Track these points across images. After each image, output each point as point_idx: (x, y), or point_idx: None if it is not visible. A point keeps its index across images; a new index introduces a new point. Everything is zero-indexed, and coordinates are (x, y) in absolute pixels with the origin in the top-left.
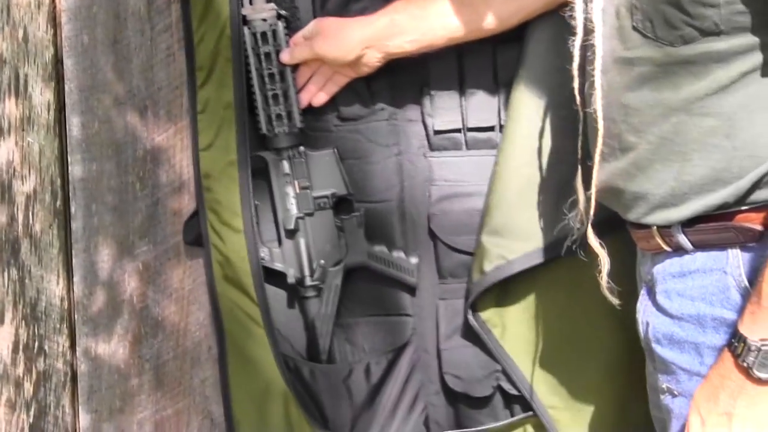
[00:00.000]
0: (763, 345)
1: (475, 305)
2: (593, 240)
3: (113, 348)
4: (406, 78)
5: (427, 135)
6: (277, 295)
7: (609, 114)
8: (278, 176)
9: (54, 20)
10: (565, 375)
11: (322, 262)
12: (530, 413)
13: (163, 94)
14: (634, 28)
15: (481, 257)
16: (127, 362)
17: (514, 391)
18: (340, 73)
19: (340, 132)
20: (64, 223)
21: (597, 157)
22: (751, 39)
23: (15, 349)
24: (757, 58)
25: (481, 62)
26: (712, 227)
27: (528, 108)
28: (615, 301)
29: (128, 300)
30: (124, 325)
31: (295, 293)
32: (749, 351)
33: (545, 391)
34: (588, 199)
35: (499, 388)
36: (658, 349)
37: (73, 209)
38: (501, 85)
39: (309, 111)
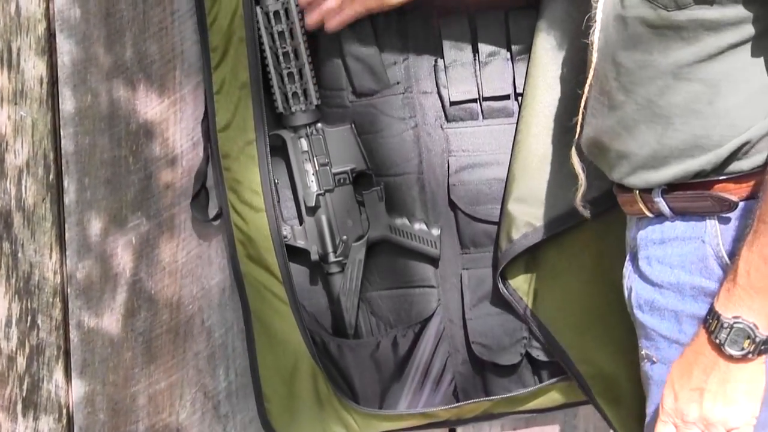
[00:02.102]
0: (735, 322)
1: (503, 273)
2: (576, 161)
3: (106, 321)
4: (420, 50)
5: (443, 106)
6: (300, 273)
7: (603, 70)
8: (297, 154)
9: None
10: (595, 340)
11: (345, 237)
12: (557, 379)
13: (156, 68)
14: None
15: (508, 225)
16: (120, 336)
17: (543, 358)
18: (363, 2)
19: (356, 107)
20: (57, 197)
21: (587, 88)
22: (742, 11)
23: (8, 323)
24: (747, 30)
25: (493, 31)
26: (690, 195)
27: (546, 75)
28: (587, 214)
29: (121, 273)
30: (117, 298)
31: (319, 270)
32: (722, 328)
33: (576, 357)
34: (575, 125)
35: (527, 355)
36: (639, 315)
37: (65, 183)
38: (515, 53)
39: (324, 87)
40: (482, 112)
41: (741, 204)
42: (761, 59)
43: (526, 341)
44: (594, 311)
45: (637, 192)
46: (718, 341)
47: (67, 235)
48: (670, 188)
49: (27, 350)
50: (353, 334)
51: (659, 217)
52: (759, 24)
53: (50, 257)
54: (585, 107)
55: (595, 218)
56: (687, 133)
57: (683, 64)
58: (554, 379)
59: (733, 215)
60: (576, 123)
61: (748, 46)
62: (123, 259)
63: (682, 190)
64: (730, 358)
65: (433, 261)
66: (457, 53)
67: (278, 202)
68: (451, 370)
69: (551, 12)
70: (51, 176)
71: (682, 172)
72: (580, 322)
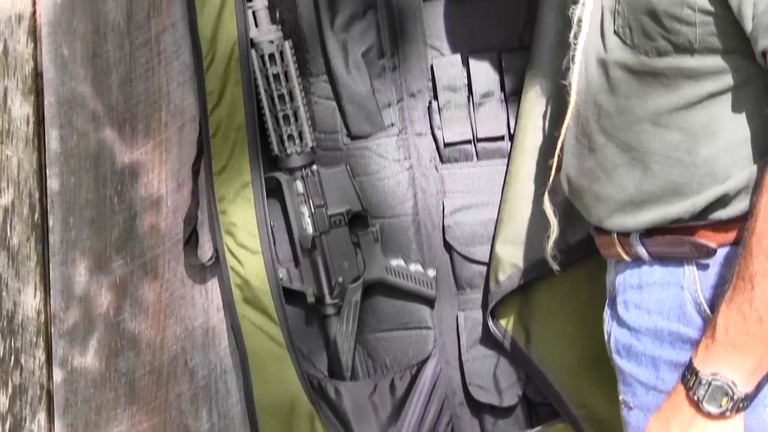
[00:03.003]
0: (713, 379)
1: (496, 314)
2: (548, 206)
3: (89, 362)
4: (414, 92)
5: (438, 148)
6: (297, 315)
7: (585, 112)
8: (292, 196)
9: (34, 34)
10: (590, 383)
11: (341, 279)
12: (554, 421)
13: (142, 109)
14: (615, 33)
15: (496, 267)
16: (103, 376)
17: (540, 399)
18: None
19: (351, 149)
20: (42, 237)
21: (563, 130)
22: (722, 61)
23: None
24: (727, 80)
25: (487, 72)
26: (669, 240)
27: (534, 117)
28: (555, 267)
29: (105, 314)
30: (100, 339)
31: (315, 312)
32: (700, 384)
33: (571, 400)
34: (550, 168)
35: (524, 397)
36: (617, 359)
37: (50, 222)
38: (509, 94)
39: (319, 129)
40: (477, 153)
41: (720, 251)
42: (741, 110)
43: (523, 383)
44: (588, 354)
45: (615, 235)
46: (696, 398)
47: (51, 274)
48: (648, 233)
49: (10, 390)
50: (350, 376)
51: (637, 261)
52: (738, 75)
53: (34, 296)
54: (561, 149)
55: (587, 259)
56: (665, 179)
57: (662, 111)
58: (552, 421)
59: (712, 262)
60: (551, 166)
61: (727, 96)
62: (107, 299)
63: (661, 234)
64: (708, 415)
65: (430, 302)
66: (451, 95)
67: (274, 244)
68: (448, 412)
69: (540, 54)
70: (36, 216)
71: (660, 218)
72: (574, 364)
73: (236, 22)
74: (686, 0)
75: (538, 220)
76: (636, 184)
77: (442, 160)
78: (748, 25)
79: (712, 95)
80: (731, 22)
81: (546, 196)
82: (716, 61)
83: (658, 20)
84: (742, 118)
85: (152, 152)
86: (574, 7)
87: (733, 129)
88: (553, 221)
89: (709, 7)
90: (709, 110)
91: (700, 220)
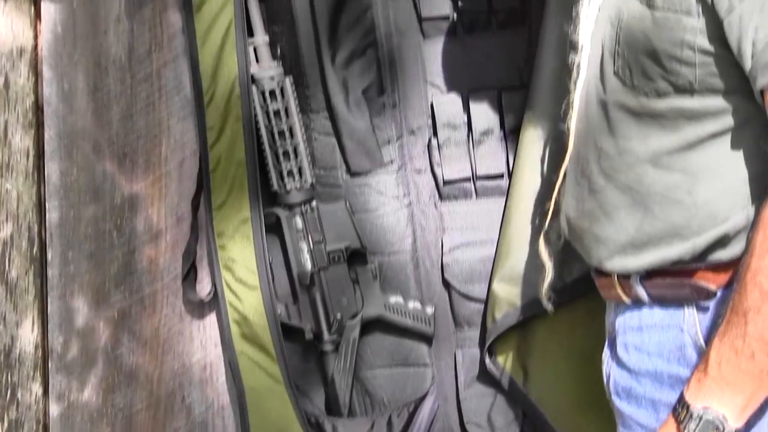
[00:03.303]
0: (705, 413)
1: (494, 352)
2: (544, 249)
3: (86, 396)
4: (413, 128)
5: (437, 185)
6: (294, 351)
7: (584, 154)
8: (291, 232)
9: (35, 68)
10: (588, 424)
11: (339, 315)
12: None
13: (142, 143)
14: (615, 74)
15: (492, 304)
16: (99, 411)
17: None
18: None
19: (350, 186)
20: (41, 270)
21: (561, 174)
22: (722, 101)
23: None
24: (727, 121)
25: (487, 110)
26: (669, 282)
27: (532, 156)
28: (549, 308)
29: (103, 348)
30: (97, 373)
31: (313, 348)
32: (691, 418)
33: None
34: (546, 211)
35: None
36: (617, 401)
37: (49, 256)
38: (508, 132)
39: (318, 165)
40: (476, 190)
41: (720, 293)
42: (741, 150)
43: (521, 421)
44: (586, 394)
45: (616, 277)
46: (686, 431)
47: (49, 308)
48: (648, 275)
49: (6, 425)
50: (347, 413)
51: (637, 303)
52: (738, 115)
53: (32, 330)
54: (559, 193)
55: (586, 298)
56: (666, 221)
57: (663, 153)
58: None
59: (712, 304)
60: (548, 209)
61: (728, 137)
62: (104, 333)
63: (661, 277)
64: None
65: (428, 339)
66: (450, 132)
67: (273, 280)
68: None
69: (538, 94)
70: (35, 249)
71: (660, 259)
72: (572, 404)
73: (237, 58)
74: (686, 41)
75: (535, 259)
76: (637, 226)
77: (441, 198)
78: (748, 64)
79: (713, 136)
80: (731, 62)
81: (542, 239)
82: (716, 102)
83: (658, 61)
84: (742, 158)
85: (152, 187)
86: (573, 52)
87: (733, 169)
88: (548, 264)
89: (709, 48)
90: (709, 151)
91: (701, 261)
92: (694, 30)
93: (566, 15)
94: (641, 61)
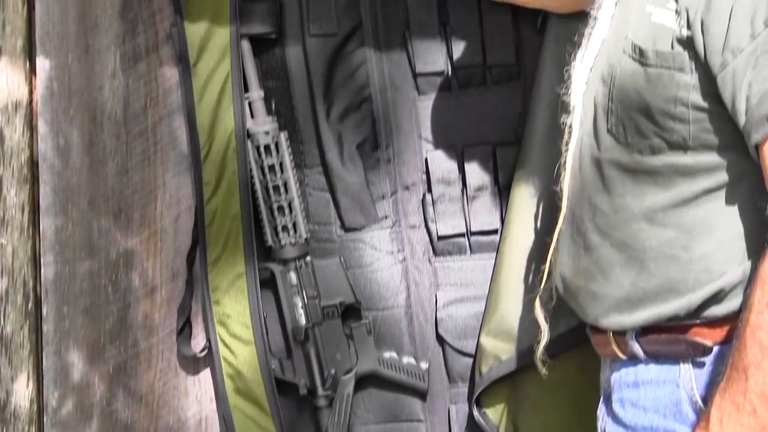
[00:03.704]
0: None
1: (483, 405)
2: (539, 312)
3: None
4: (408, 184)
5: (431, 240)
6: (289, 406)
7: (579, 212)
8: (286, 287)
9: (31, 123)
10: None
11: (333, 371)
12: None
13: (137, 198)
14: (608, 131)
15: (480, 358)
16: None
17: None
18: None
19: (345, 241)
20: (36, 325)
21: (555, 236)
22: (716, 158)
23: None
24: (722, 176)
25: (481, 165)
26: (665, 339)
27: (524, 213)
28: (543, 371)
29: (98, 403)
30: (93, 428)
31: (307, 403)
32: None
33: None
34: (541, 271)
35: None
36: None
37: (44, 311)
38: (502, 187)
39: (313, 221)
40: (470, 246)
41: (716, 349)
42: (736, 205)
43: None
44: None
45: (611, 334)
46: None
47: (44, 363)
48: (644, 331)
49: None
50: None
51: (633, 359)
52: (732, 170)
53: (27, 385)
54: (553, 254)
55: (576, 351)
56: (661, 277)
57: (657, 209)
58: None
59: (708, 360)
60: (543, 271)
61: (722, 193)
62: (100, 388)
63: (657, 333)
64: None
65: (422, 395)
66: (445, 188)
67: (267, 335)
68: None
69: (529, 151)
70: (30, 304)
71: (656, 316)
72: None
73: (234, 113)
74: (680, 97)
75: (522, 314)
76: (632, 282)
77: (435, 253)
78: (741, 120)
79: (707, 191)
80: (725, 118)
81: (537, 302)
82: (711, 158)
83: (651, 118)
84: (736, 213)
85: (147, 242)
86: (564, 113)
87: (728, 225)
88: (544, 327)
89: (703, 104)
90: (704, 207)
91: (696, 317)
92: (688, 86)
93: (558, 72)
94: (635, 118)
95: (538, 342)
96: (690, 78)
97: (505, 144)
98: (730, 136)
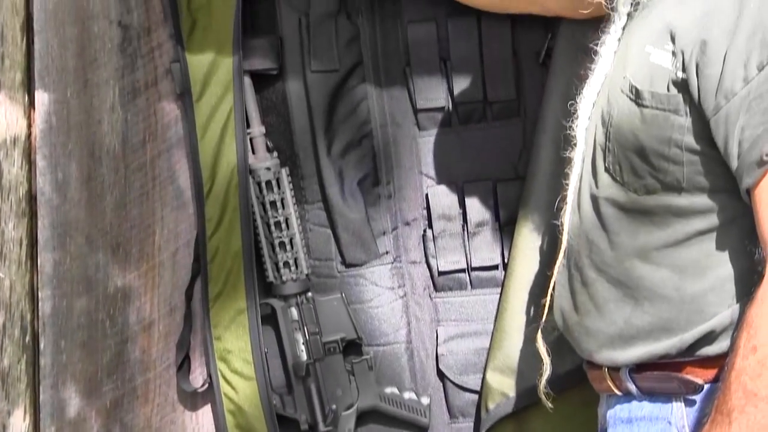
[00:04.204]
0: None
1: None
2: (540, 345)
3: None
4: (408, 220)
5: (432, 276)
6: None
7: (577, 247)
8: (287, 323)
9: (29, 156)
10: None
11: (334, 406)
12: None
13: (136, 233)
14: (606, 169)
15: (486, 394)
16: None
17: None
18: None
19: (346, 277)
20: (33, 359)
21: (556, 270)
22: (709, 200)
23: None
24: (715, 218)
25: (482, 201)
26: (657, 376)
27: (527, 249)
28: (548, 405)
29: None
30: None
31: None
32: None
33: None
34: (542, 305)
35: None
36: None
37: (42, 345)
38: (503, 223)
39: (314, 256)
40: (471, 282)
41: (707, 387)
42: (727, 248)
43: None
44: None
45: (606, 369)
46: None
47: (41, 397)
48: (637, 367)
49: None
50: None
51: (627, 395)
52: (725, 213)
53: (24, 419)
54: (553, 287)
55: (581, 386)
56: (654, 315)
57: (652, 248)
58: None
59: (699, 398)
60: (543, 303)
61: (714, 235)
62: (97, 423)
63: (650, 370)
64: None
65: (422, 430)
66: (445, 223)
67: (268, 371)
68: None
69: (534, 188)
70: (27, 338)
71: (648, 353)
72: None
73: (236, 149)
74: (674, 139)
75: (528, 350)
76: (625, 319)
77: (436, 289)
78: (734, 163)
79: (700, 233)
80: (718, 161)
81: (539, 335)
82: (704, 200)
83: (646, 159)
84: (728, 256)
85: (145, 276)
86: (569, 148)
87: (720, 267)
88: (546, 360)
89: (696, 147)
90: (697, 248)
91: (688, 356)
92: (682, 128)
93: (563, 107)
94: (630, 158)
95: (541, 375)
96: (684, 120)
97: (506, 180)
98: (723, 179)
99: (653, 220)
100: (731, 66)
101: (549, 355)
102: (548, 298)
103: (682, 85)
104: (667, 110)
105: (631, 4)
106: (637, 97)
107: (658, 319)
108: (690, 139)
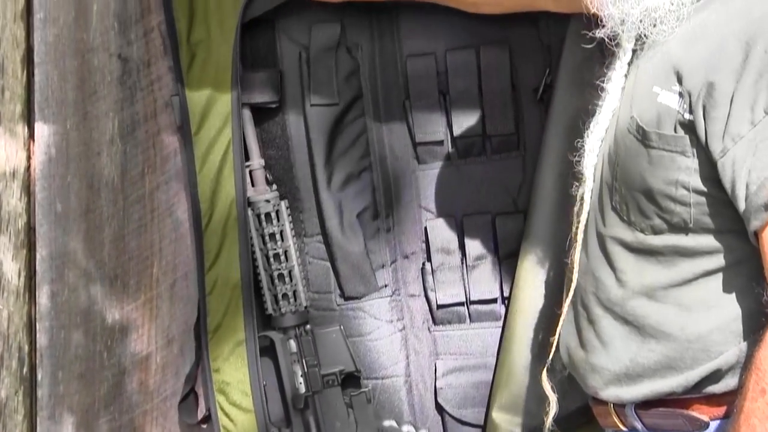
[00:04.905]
0: None
1: None
2: (546, 383)
3: None
4: (407, 253)
5: (431, 309)
6: None
7: (584, 284)
8: (285, 355)
9: (28, 189)
10: None
11: None
12: None
13: (134, 265)
14: (613, 208)
15: None
16: None
17: None
18: None
19: (344, 310)
20: (30, 390)
21: (565, 308)
22: (716, 241)
23: None
24: (722, 259)
25: (481, 235)
26: (662, 412)
27: (533, 284)
28: None
29: None
30: None
31: None
32: None
33: None
34: (549, 343)
35: None
36: None
37: (39, 376)
38: (502, 257)
39: (312, 289)
40: (470, 315)
41: (713, 424)
42: (734, 288)
43: None
44: None
45: (611, 405)
46: None
47: (38, 428)
48: (643, 404)
49: None
50: None
51: (633, 431)
52: (732, 254)
53: None
54: (562, 327)
55: (589, 425)
56: (659, 353)
57: (658, 287)
58: None
59: None
60: (551, 343)
61: (721, 275)
62: None
63: (655, 407)
64: None
65: None
66: (444, 257)
67: (267, 403)
68: None
69: (537, 222)
70: (25, 369)
71: (653, 391)
72: None
73: (235, 182)
74: (681, 180)
75: (534, 388)
76: (631, 357)
77: (434, 322)
78: (741, 205)
79: (707, 273)
80: (725, 202)
81: (544, 374)
82: (711, 241)
83: (653, 199)
84: (735, 296)
85: (143, 308)
86: (576, 184)
87: (726, 306)
88: (552, 398)
89: (703, 188)
90: (703, 288)
91: (694, 393)
92: (689, 170)
93: (565, 142)
94: (637, 197)
95: (547, 413)
96: (691, 162)
97: (505, 214)
98: (730, 220)
99: (660, 260)
100: (738, 108)
101: (555, 393)
102: (557, 336)
103: (689, 127)
104: (674, 151)
105: (636, 41)
106: (644, 137)
107: (664, 357)
108: (697, 181)
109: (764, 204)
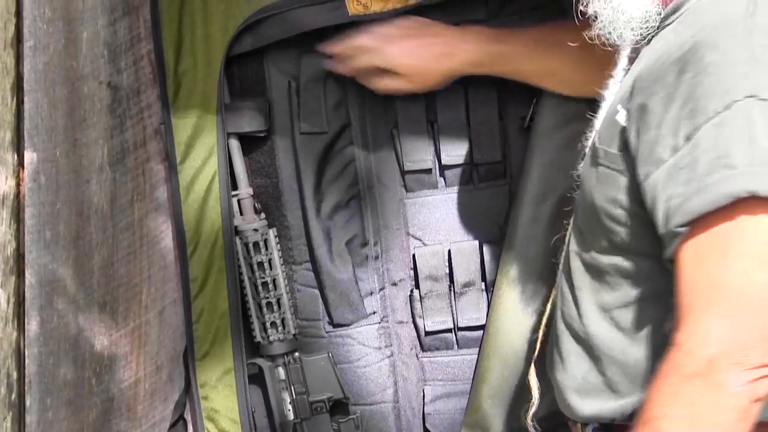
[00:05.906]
0: None
1: None
2: (533, 377)
3: None
4: (395, 280)
5: (419, 336)
6: None
7: (554, 297)
8: (274, 383)
9: (17, 215)
10: None
11: None
12: None
13: (123, 292)
14: (577, 226)
15: None
16: None
17: None
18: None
19: (333, 338)
20: (19, 417)
21: (548, 306)
22: (650, 265)
23: None
24: (655, 284)
25: (468, 262)
26: None
27: (508, 308)
28: None
29: None
30: None
31: None
32: None
33: None
34: (535, 341)
35: None
36: None
37: (27, 403)
38: (489, 284)
39: (301, 317)
40: (457, 341)
41: None
42: (670, 314)
43: None
44: None
45: (579, 424)
46: None
47: None
48: (601, 426)
49: None
50: None
51: None
52: (665, 280)
53: None
54: (547, 325)
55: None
56: (605, 375)
57: (606, 308)
58: None
59: None
60: (536, 340)
61: (657, 300)
62: None
63: (614, 430)
64: None
65: None
66: (432, 284)
67: (255, 430)
68: None
69: (519, 244)
70: (13, 395)
71: (596, 412)
72: None
73: (221, 211)
74: (618, 200)
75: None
76: (583, 375)
77: (423, 348)
78: (660, 231)
79: (645, 297)
80: (652, 226)
81: (532, 368)
82: (646, 264)
83: (598, 218)
84: (670, 325)
85: (132, 335)
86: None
87: (658, 335)
88: (536, 394)
89: (633, 209)
90: (644, 312)
91: (630, 421)
92: (626, 189)
93: (545, 170)
94: (588, 215)
95: (528, 407)
96: (628, 181)
97: (492, 241)
98: (657, 245)
99: (606, 280)
100: (664, 133)
101: (539, 390)
102: (540, 333)
103: (628, 146)
104: (616, 170)
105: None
106: (594, 154)
107: (608, 380)
108: (629, 201)
109: (674, 232)
